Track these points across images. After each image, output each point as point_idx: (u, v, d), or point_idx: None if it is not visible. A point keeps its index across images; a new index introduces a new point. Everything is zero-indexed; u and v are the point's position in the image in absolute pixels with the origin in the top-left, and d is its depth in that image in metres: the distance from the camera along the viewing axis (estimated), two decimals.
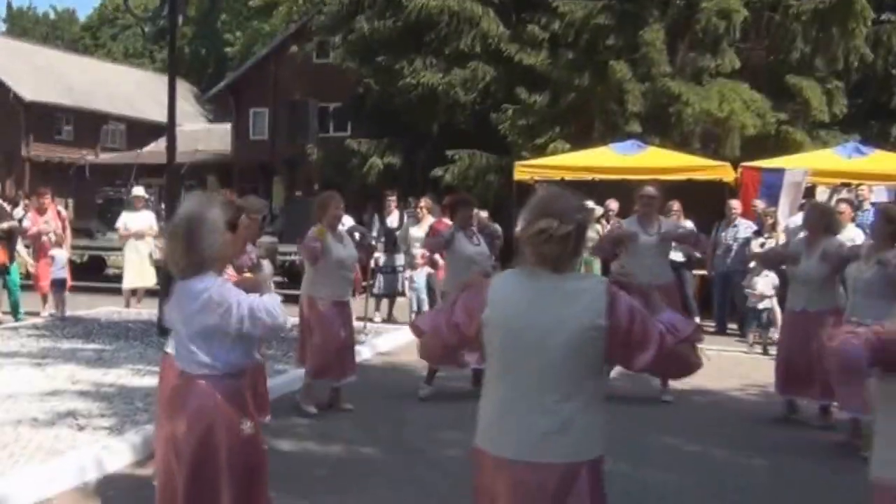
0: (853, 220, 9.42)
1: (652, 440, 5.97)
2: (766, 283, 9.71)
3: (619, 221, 8.81)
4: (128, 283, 11.95)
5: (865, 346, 2.53)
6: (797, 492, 5.10)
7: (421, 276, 11.12)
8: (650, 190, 7.28)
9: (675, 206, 10.86)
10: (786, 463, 5.62)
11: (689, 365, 2.68)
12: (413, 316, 10.95)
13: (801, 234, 6.76)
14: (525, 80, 16.06)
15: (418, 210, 11.69)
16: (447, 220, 10.60)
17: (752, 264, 9.79)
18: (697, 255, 10.09)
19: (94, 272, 15.55)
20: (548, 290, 2.56)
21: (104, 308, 11.38)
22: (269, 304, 3.12)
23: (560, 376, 2.52)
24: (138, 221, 11.98)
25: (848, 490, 5.02)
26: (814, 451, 5.90)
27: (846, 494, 4.94)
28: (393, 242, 11.56)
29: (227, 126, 30.29)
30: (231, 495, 3.05)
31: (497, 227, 13.38)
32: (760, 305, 9.74)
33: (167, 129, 9.86)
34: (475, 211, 7.54)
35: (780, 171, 11.67)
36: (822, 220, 6.31)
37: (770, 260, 7.85)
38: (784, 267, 6.94)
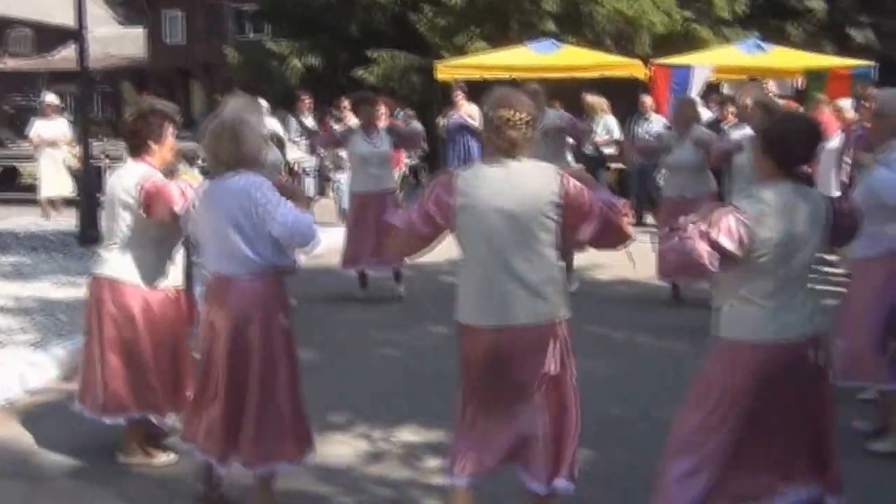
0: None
1: (580, 330, 5.85)
2: None
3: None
4: (45, 192, 11.15)
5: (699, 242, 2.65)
6: None
7: (343, 176, 10.67)
8: (534, 85, 7.04)
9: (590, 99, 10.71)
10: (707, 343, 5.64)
11: (623, 237, 2.93)
12: (340, 217, 10.61)
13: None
14: None
15: (340, 111, 11.17)
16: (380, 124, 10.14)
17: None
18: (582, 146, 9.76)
19: (7, 183, 14.48)
20: (512, 174, 2.82)
21: (20, 219, 10.61)
22: (309, 222, 3.15)
23: (530, 249, 2.80)
24: (51, 129, 11.08)
25: None
26: None
27: None
28: (313, 145, 11.01)
29: (141, 30, 28.31)
30: (260, 389, 3.15)
31: (418, 124, 13.04)
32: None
33: (77, 34, 9.00)
34: (381, 110, 7.10)
35: (687, 68, 11.66)
36: (691, 112, 6.65)
37: (643, 149, 7.81)
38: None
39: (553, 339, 2.85)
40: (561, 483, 2.88)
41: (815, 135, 2.87)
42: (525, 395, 2.85)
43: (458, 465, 2.91)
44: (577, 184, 2.83)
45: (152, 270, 3.68)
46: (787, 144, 2.78)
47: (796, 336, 2.75)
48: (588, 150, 10.96)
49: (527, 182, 2.82)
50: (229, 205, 3.12)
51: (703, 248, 2.64)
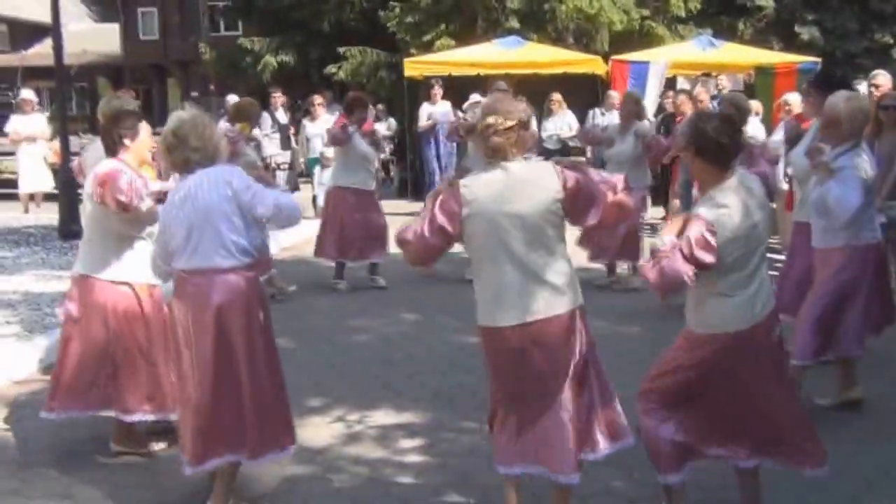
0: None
1: None
2: None
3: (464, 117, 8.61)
4: (25, 188, 10.99)
5: (683, 261, 2.74)
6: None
7: (328, 173, 10.68)
8: (501, 84, 7.08)
9: (556, 97, 10.81)
10: (660, 327, 5.77)
11: (627, 212, 3.00)
12: (318, 211, 10.63)
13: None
14: None
15: (313, 107, 11.15)
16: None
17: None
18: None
19: None
20: (513, 177, 2.84)
21: (1, 215, 10.45)
22: (292, 199, 3.20)
23: (541, 246, 2.83)
24: (29, 125, 10.91)
25: None
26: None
27: None
28: (286, 139, 11.00)
29: (115, 26, 27.79)
30: (249, 374, 3.11)
31: (392, 121, 13.10)
32: None
33: (52, 30, 8.86)
34: (371, 111, 7.24)
35: (645, 64, 11.79)
36: (634, 108, 6.64)
37: (589, 138, 7.93)
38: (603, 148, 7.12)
39: (574, 326, 2.87)
40: (597, 453, 2.93)
41: (735, 127, 2.96)
42: (557, 385, 2.86)
43: (502, 458, 2.93)
44: (575, 174, 2.87)
45: (120, 266, 3.62)
46: (720, 146, 2.85)
47: (766, 314, 2.90)
48: (552, 144, 11.11)
49: (529, 183, 2.84)
50: (211, 197, 3.07)
51: (685, 267, 2.74)
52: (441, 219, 2.84)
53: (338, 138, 6.90)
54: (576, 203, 2.85)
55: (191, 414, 3.14)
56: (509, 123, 2.83)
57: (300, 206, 3.21)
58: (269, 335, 3.23)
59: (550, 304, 2.83)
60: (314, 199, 10.89)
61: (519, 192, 2.82)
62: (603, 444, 2.92)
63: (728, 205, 2.81)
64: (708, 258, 2.75)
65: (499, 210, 2.80)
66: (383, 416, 4.18)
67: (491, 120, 2.83)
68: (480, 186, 2.85)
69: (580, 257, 7.21)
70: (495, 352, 2.91)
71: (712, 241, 2.75)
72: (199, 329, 3.09)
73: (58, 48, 8.78)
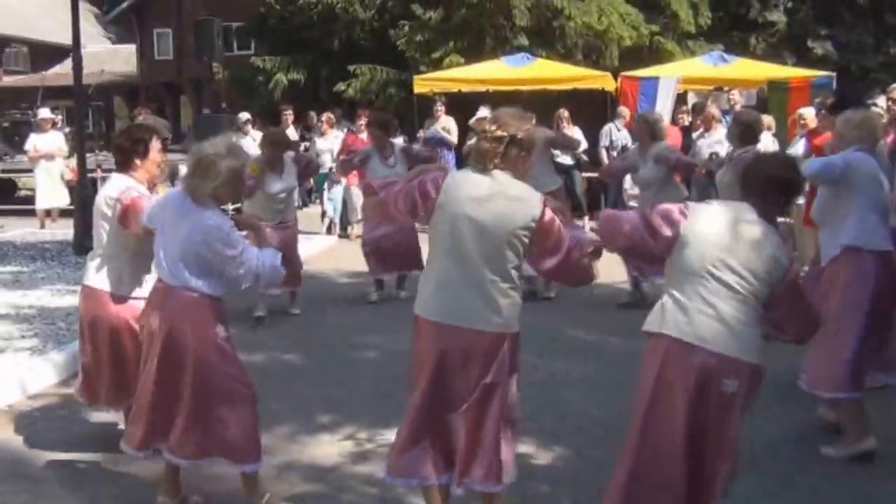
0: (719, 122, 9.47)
1: (554, 332, 5.90)
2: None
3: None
4: (41, 204, 11.14)
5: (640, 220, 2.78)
6: None
7: (337, 189, 10.75)
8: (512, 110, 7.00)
9: (564, 113, 10.79)
10: None
11: (585, 277, 2.97)
12: (331, 225, 10.62)
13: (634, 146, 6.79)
14: None
15: (321, 124, 11.28)
16: (361, 136, 10.22)
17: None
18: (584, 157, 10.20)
19: (6, 194, 14.40)
20: (497, 188, 2.80)
21: (18, 230, 10.55)
22: (273, 263, 3.19)
23: (495, 263, 2.79)
24: (47, 142, 11.08)
25: None
26: None
27: None
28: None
29: (132, 47, 28.13)
30: (193, 389, 3.14)
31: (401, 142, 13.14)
32: (633, 203, 9.81)
33: (73, 51, 8.98)
34: (390, 138, 7.09)
35: (655, 80, 11.77)
36: (648, 129, 6.37)
37: (613, 173, 7.79)
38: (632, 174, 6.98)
39: (498, 351, 2.82)
40: (493, 486, 2.89)
41: (791, 192, 2.86)
42: (466, 399, 2.84)
43: (396, 467, 2.97)
44: (555, 217, 2.81)
45: (129, 281, 3.66)
46: (766, 198, 2.77)
47: (708, 347, 2.64)
48: (564, 161, 11.10)
49: (509, 201, 2.78)
50: (193, 238, 3.12)
51: (634, 223, 2.77)
52: (418, 197, 2.87)
53: (344, 169, 6.97)
54: (541, 242, 2.81)
55: (134, 403, 3.32)
56: (500, 133, 2.80)
57: (280, 270, 3.24)
58: (223, 349, 3.20)
59: (484, 319, 2.78)
60: (323, 214, 10.94)
61: (494, 205, 2.77)
62: (478, 478, 2.87)
63: (717, 206, 2.80)
64: (664, 228, 2.73)
65: (465, 212, 2.78)
66: (394, 435, 4.12)
67: (487, 125, 2.85)
68: (462, 183, 2.84)
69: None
70: (423, 345, 2.90)
71: (676, 216, 2.73)
72: (154, 332, 3.19)
73: (77, 69, 8.89)
